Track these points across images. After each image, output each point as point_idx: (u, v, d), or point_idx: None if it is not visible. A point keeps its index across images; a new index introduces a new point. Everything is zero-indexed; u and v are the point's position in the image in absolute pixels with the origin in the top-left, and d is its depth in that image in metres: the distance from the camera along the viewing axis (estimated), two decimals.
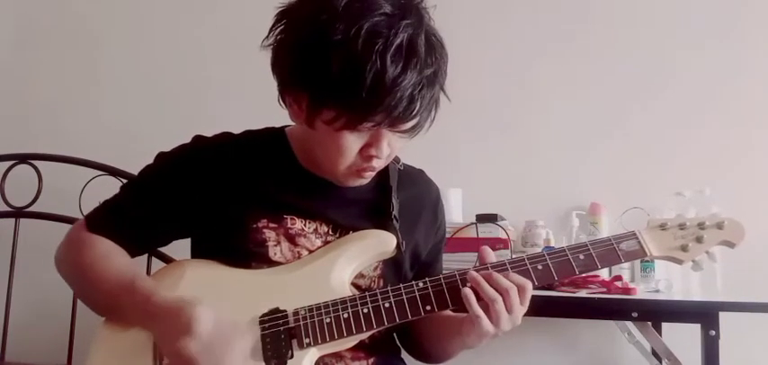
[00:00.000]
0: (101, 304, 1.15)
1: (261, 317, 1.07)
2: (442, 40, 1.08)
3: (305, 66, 1.03)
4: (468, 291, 1.05)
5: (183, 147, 1.23)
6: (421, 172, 1.33)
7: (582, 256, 1.12)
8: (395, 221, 1.19)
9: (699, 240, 1.15)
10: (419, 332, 1.25)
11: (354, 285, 1.17)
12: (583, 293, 1.69)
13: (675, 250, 1.15)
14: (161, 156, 1.23)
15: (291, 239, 1.17)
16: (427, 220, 1.29)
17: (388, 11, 1.01)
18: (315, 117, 1.06)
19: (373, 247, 1.16)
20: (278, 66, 1.10)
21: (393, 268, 1.21)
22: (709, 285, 1.89)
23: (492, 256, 1.12)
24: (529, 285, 1.07)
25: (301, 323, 1.06)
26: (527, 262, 1.11)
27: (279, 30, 1.09)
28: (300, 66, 1.04)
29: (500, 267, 1.09)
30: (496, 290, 1.05)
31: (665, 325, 1.94)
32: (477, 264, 1.11)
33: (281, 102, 1.13)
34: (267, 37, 1.10)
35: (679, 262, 1.15)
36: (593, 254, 1.12)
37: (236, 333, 1.04)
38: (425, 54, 1.02)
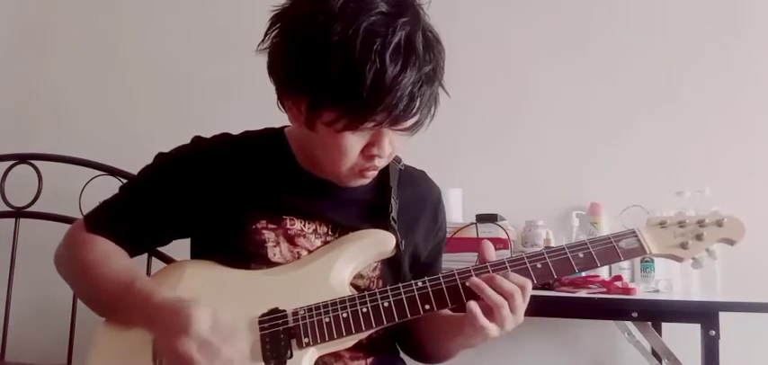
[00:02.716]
0: (100, 304, 1.14)
1: (260, 317, 1.07)
2: (438, 37, 1.08)
3: (303, 69, 1.03)
4: (472, 304, 1.04)
5: (182, 149, 1.23)
6: (422, 172, 1.33)
7: (581, 255, 1.11)
8: (393, 222, 1.19)
9: (699, 238, 1.14)
10: (419, 332, 1.25)
11: (353, 285, 1.16)
12: (583, 293, 1.69)
13: (675, 248, 1.14)
14: (160, 157, 1.23)
15: (291, 240, 1.16)
16: (427, 221, 1.28)
17: (385, 10, 1.01)
18: (315, 119, 1.06)
19: (372, 247, 1.16)
20: (275, 71, 1.10)
21: (392, 268, 1.21)
22: (709, 285, 1.89)
23: (492, 253, 1.12)
24: (529, 284, 1.07)
25: (300, 323, 1.06)
26: (526, 260, 1.10)
27: (274, 33, 1.09)
28: (299, 69, 1.04)
29: (499, 266, 1.09)
30: (502, 295, 1.04)
31: (665, 325, 1.93)
32: (478, 262, 1.11)
33: (280, 106, 1.13)
34: (262, 41, 1.10)
35: (679, 259, 1.14)
36: (593, 253, 1.11)
37: (234, 334, 1.03)
38: (423, 51, 1.02)
